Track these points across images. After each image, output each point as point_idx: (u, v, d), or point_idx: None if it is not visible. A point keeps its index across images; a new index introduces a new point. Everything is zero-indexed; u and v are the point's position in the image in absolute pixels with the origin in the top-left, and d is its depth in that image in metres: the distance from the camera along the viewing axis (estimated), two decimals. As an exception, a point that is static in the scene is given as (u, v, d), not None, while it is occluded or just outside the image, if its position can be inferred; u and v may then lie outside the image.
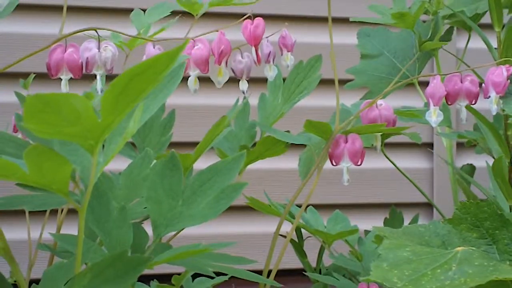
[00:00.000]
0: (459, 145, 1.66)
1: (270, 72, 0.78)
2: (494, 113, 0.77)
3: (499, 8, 0.95)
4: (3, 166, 0.47)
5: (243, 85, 0.76)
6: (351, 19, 1.14)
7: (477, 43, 1.34)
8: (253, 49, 0.75)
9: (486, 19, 1.13)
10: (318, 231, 0.94)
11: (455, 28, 1.18)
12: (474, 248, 0.63)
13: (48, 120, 0.43)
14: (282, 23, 0.82)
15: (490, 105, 0.76)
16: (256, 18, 0.75)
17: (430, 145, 1.70)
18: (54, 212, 0.96)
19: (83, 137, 0.47)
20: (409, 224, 0.90)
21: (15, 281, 0.89)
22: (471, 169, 1.25)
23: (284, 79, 0.87)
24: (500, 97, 0.77)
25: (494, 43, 1.00)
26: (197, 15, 0.86)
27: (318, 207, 1.07)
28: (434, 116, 0.75)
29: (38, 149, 0.45)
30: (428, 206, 1.70)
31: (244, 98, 0.83)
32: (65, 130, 0.45)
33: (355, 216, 1.39)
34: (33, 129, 0.44)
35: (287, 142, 0.81)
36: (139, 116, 0.49)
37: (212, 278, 0.93)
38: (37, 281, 0.74)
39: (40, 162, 0.47)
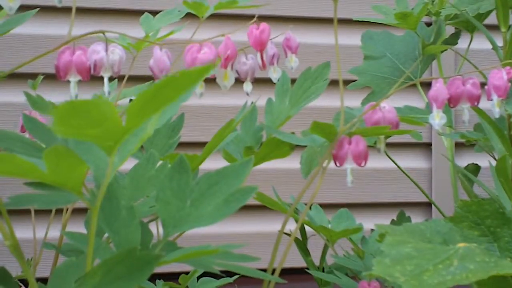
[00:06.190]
0: (457, 145, 1.67)
1: (274, 74, 0.79)
2: (496, 116, 0.77)
3: (505, 8, 0.96)
4: (21, 165, 0.48)
5: (247, 86, 0.77)
6: (354, 19, 1.15)
7: (476, 44, 1.35)
8: (258, 54, 0.76)
9: (489, 20, 1.14)
10: (323, 228, 0.94)
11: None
12: (475, 245, 0.64)
13: (76, 124, 0.44)
14: (286, 24, 0.83)
15: (492, 108, 0.77)
16: (262, 23, 0.76)
17: (429, 145, 1.70)
18: (59, 211, 0.97)
19: (104, 138, 0.48)
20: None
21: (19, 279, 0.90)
22: (475, 168, 1.25)
23: (291, 80, 0.88)
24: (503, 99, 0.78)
25: (496, 44, 1.01)
26: (202, 17, 0.87)
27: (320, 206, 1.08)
28: (437, 119, 0.76)
29: (57, 150, 0.47)
30: (426, 205, 1.70)
31: (252, 102, 0.83)
32: (89, 132, 0.46)
33: (355, 216, 1.40)
34: (59, 131, 0.45)
35: (292, 145, 0.81)
36: (157, 119, 0.50)
37: (217, 278, 0.94)
38: (40, 280, 0.75)
39: (57, 162, 0.48)
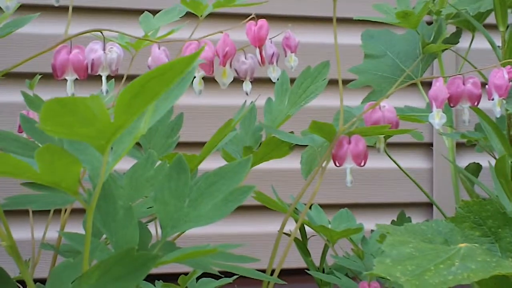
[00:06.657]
0: (459, 145, 1.67)
1: (273, 73, 0.78)
2: (497, 116, 0.77)
3: (503, 8, 0.96)
4: (15, 165, 0.47)
5: (247, 85, 0.77)
6: (355, 18, 1.14)
7: (478, 43, 1.34)
8: (257, 50, 0.76)
9: (490, 19, 1.13)
10: (323, 228, 0.94)
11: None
12: (477, 245, 0.64)
13: (64, 122, 0.44)
14: (285, 24, 0.83)
15: (493, 107, 0.77)
16: (260, 19, 0.76)
17: (430, 145, 1.70)
18: (57, 212, 0.97)
19: (96, 137, 0.47)
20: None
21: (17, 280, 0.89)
22: (477, 167, 1.25)
23: (291, 79, 0.88)
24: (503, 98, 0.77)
25: (497, 44, 1.00)
26: (201, 15, 0.86)
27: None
28: (437, 118, 0.76)
29: (50, 149, 0.46)
30: (427, 206, 1.70)
31: (251, 102, 0.83)
32: (79, 130, 0.46)
33: (355, 216, 1.40)
34: (48, 130, 0.44)
35: (291, 144, 0.81)
36: (150, 117, 0.50)
37: (216, 278, 0.93)
38: (39, 280, 0.75)
39: (51, 161, 0.47)
